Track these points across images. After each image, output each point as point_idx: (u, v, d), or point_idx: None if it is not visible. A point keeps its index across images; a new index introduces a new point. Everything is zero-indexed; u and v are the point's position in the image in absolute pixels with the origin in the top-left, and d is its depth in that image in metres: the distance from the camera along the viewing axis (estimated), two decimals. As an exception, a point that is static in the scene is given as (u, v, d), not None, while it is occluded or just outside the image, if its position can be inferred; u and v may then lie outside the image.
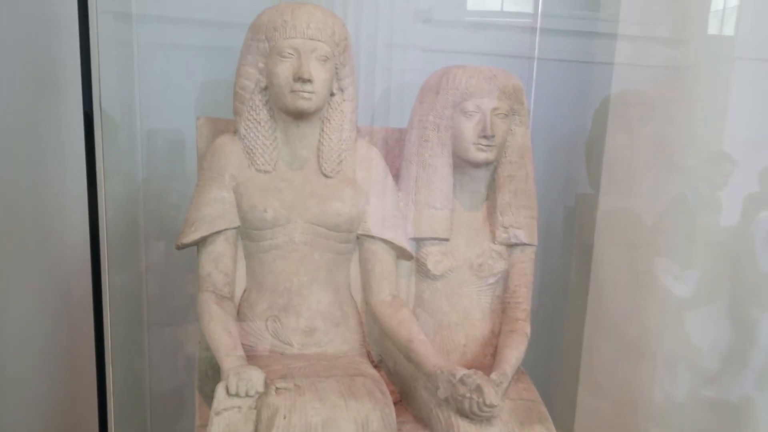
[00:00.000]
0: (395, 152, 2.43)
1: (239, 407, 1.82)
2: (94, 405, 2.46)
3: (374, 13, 2.81)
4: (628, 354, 2.84)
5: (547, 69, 3.09)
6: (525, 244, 2.38)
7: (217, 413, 1.81)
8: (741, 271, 2.59)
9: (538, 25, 3.13)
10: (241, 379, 1.82)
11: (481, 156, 2.25)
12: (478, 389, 1.89)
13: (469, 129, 2.24)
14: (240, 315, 2.17)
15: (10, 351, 2.82)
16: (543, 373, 2.76)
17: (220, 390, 1.82)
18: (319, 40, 2.04)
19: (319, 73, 2.05)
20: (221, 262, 2.14)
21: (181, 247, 2.12)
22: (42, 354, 2.87)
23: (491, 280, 2.36)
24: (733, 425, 2.64)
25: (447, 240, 2.32)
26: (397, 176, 2.35)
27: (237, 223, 2.14)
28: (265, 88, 2.11)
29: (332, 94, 2.15)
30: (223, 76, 2.39)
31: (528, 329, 2.33)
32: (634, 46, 2.88)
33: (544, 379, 2.72)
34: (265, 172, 2.14)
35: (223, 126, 2.27)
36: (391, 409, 1.93)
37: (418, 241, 2.32)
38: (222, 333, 2.00)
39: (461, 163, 2.30)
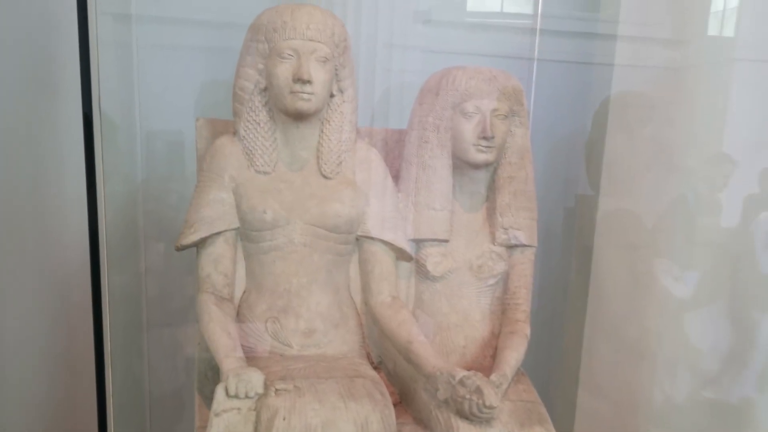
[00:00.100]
0: (395, 153, 2.43)
1: (239, 408, 1.82)
2: (93, 406, 2.46)
3: (374, 14, 2.81)
4: (628, 355, 2.84)
5: (547, 70, 3.09)
6: (525, 246, 2.38)
7: (217, 414, 1.80)
8: (741, 272, 2.59)
9: (538, 26, 3.13)
10: (241, 380, 1.81)
11: (481, 157, 2.25)
12: (478, 390, 1.89)
13: (469, 130, 2.24)
14: (239, 316, 2.17)
15: (9, 352, 2.82)
16: (543, 375, 2.75)
17: (219, 391, 1.82)
18: (318, 41, 2.04)
19: (318, 74, 2.05)
20: (221, 264, 2.14)
21: (181, 248, 2.12)
22: (41, 355, 2.87)
23: (491, 281, 2.36)
24: (733, 426, 2.63)
25: (447, 241, 2.32)
26: (396, 177, 2.35)
27: (236, 224, 2.14)
28: (265, 89, 2.11)
29: (332, 95, 2.15)
30: (222, 77, 2.38)
31: (528, 330, 2.32)
32: (634, 47, 2.88)
33: (544, 380, 2.72)
34: (265, 173, 2.14)
35: (223, 127, 2.26)
36: (391, 411, 1.93)
37: (418, 242, 2.32)
38: (221, 334, 2.00)
39: (461, 165, 2.30)
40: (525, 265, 2.39)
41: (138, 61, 2.77)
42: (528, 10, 3.34)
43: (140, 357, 2.97)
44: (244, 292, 2.20)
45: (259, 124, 2.13)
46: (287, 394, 1.85)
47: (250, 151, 2.14)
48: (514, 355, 2.22)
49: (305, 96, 2.04)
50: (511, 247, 2.38)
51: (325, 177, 2.17)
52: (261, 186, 2.12)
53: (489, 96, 2.23)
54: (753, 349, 2.59)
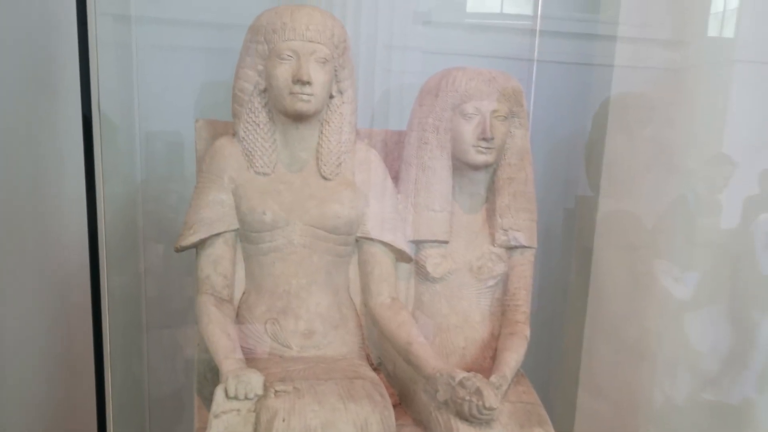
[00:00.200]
0: (394, 154, 2.42)
1: (238, 410, 1.82)
2: (92, 408, 2.46)
3: (373, 15, 2.81)
4: (628, 356, 2.83)
5: (547, 71, 3.09)
6: (524, 247, 2.37)
7: (216, 416, 1.80)
8: (741, 273, 2.59)
9: (538, 27, 3.13)
10: (240, 381, 1.81)
11: (481, 158, 2.25)
12: (478, 392, 1.88)
13: (469, 131, 2.23)
14: (239, 317, 2.17)
15: (9, 353, 2.81)
16: (543, 376, 2.75)
17: (218, 393, 1.82)
18: (318, 42, 2.04)
19: (318, 76, 2.05)
20: (220, 265, 2.13)
21: (180, 249, 2.12)
22: (41, 356, 2.87)
23: (491, 282, 2.36)
24: (733, 427, 2.63)
25: (446, 242, 2.32)
26: (396, 178, 2.34)
27: (236, 225, 2.14)
28: (264, 91, 2.11)
29: (331, 97, 2.15)
30: (222, 78, 2.38)
31: (527, 332, 2.32)
32: (634, 48, 2.88)
33: (544, 381, 2.72)
34: (264, 174, 2.14)
35: (222, 128, 2.26)
36: (391, 412, 1.92)
37: (418, 243, 2.32)
38: (221, 335, 2.00)
39: (460, 166, 2.30)
40: (525, 267, 2.39)
41: (137, 62, 2.77)
42: (528, 11, 3.33)
43: (140, 358, 2.97)
44: (244, 293, 2.20)
45: (258, 125, 2.13)
46: (287, 395, 1.85)
47: (250, 152, 2.14)
48: (513, 356, 2.21)
49: (305, 97, 2.04)
50: (510, 249, 2.38)
51: (324, 178, 2.17)
52: (260, 187, 2.12)
53: (489, 97, 2.23)
54: (753, 349, 2.59)
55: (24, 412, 2.89)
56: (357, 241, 2.24)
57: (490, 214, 2.38)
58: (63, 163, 2.75)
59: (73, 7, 2.21)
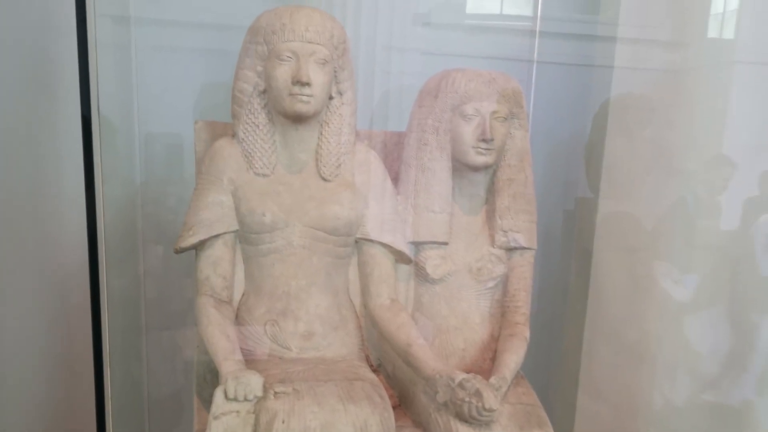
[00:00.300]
0: (394, 156, 2.42)
1: (238, 411, 1.81)
2: (92, 409, 2.46)
3: (373, 16, 2.81)
4: (628, 358, 2.83)
5: (547, 72, 3.09)
6: (524, 248, 2.37)
7: (216, 417, 1.80)
8: (741, 274, 2.59)
9: (538, 28, 3.13)
10: (240, 383, 1.81)
11: (480, 159, 2.25)
12: (478, 393, 1.88)
13: (469, 132, 2.23)
14: (238, 319, 2.16)
15: (8, 354, 2.81)
16: (542, 378, 2.75)
17: (218, 394, 1.82)
18: (317, 44, 2.04)
19: (317, 77, 2.05)
20: (219, 266, 2.13)
21: (180, 251, 2.12)
22: (40, 357, 2.87)
23: (490, 284, 2.36)
24: (732, 429, 2.63)
25: (446, 244, 2.32)
26: (396, 180, 2.34)
27: (235, 226, 2.14)
28: (264, 92, 2.11)
29: (331, 98, 2.14)
30: (221, 80, 2.38)
31: (527, 333, 2.32)
32: (634, 49, 2.88)
33: (544, 383, 2.72)
34: (264, 175, 2.14)
35: (222, 129, 2.26)
36: (390, 414, 1.92)
37: (417, 244, 2.32)
38: (220, 337, 2.00)
39: (460, 167, 2.30)
40: (524, 268, 2.39)
41: (137, 64, 2.77)
42: (527, 12, 3.34)
43: (139, 360, 2.96)
44: (243, 294, 2.20)
45: (258, 126, 2.13)
46: (286, 397, 1.85)
47: (249, 153, 2.13)
48: (513, 357, 2.21)
49: (304, 98, 2.04)
50: (510, 250, 2.38)
51: (324, 179, 2.16)
52: (260, 188, 2.12)
53: (488, 98, 2.23)
54: (753, 351, 2.59)
55: (23, 413, 2.89)
56: (356, 242, 2.24)
57: (490, 216, 2.38)
58: (62, 165, 2.75)
59: (73, 9, 2.21)
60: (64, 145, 2.72)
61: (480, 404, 1.87)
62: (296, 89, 2.02)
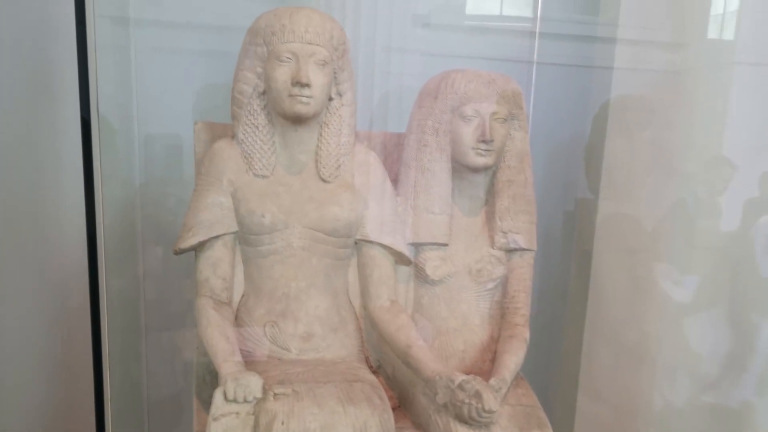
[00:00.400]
0: (394, 157, 2.42)
1: (237, 413, 1.81)
2: (91, 411, 2.46)
3: (373, 17, 2.81)
4: (628, 359, 2.83)
5: (547, 73, 3.09)
6: (524, 249, 2.37)
7: (215, 419, 1.80)
8: (741, 276, 2.59)
9: (537, 29, 3.12)
10: (239, 384, 1.81)
11: (480, 161, 2.25)
12: (477, 395, 1.88)
13: (468, 133, 2.23)
14: (238, 320, 2.16)
15: (7, 356, 2.81)
16: (542, 379, 2.75)
17: (217, 396, 1.82)
18: (317, 45, 2.04)
19: (317, 78, 2.04)
20: (219, 268, 2.13)
21: (179, 252, 2.12)
22: (39, 359, 2.87)
23: (490, 285, 2.35)
24: (732, 431, 2.63)
25: (446, 245, 2.32)
26: (395, 181, 2.34)
27: (235, 228, 2.13)
28: (263, 93, 2.10)
29: (330, 99, 2.14)
30: (221, 81, 2.38)
31: (527, 335, 2.32)
32: (634, 50, 2.87)
33: (543, 384, 2.72)
34: (263, 176, 2.13)
35: (221, 131, 2.26)
36: (390, 415, 1.92)
37: (417, 246, 2.32)
38: (220, 338, 2.00)
39: (460, 168, 2.29)
40: (524, 269, 2.39)
41: (136, 65, 2.77)
42: (527, 13, 3.33)
43: (138, 361, 2.96)
44: (243, 296, 2.20)
45: (257, 127, 2.13)
46: (286, 398, 1.85)
47: (249, 154, 2.13)
48: (513, 359, 2.21)
49: (304, 99, 2.03)
50: (510, 251, 2.37)
51: (323, 180, 2.16)
52: (259, 190, 2.12)
53: (488, 99, 2.22)
54: (753, 353, 2.59)
55: (23, 415, 2.88)
56: (356, 243, 2.24)
57: (490, 217, 2.38)
58: (62, 166, 2.74)
59: (72, 10, 2.20)
60: (64, 146, 2.72)
61: (480, 406, 1.87)
62: (296, 90, 2.02)
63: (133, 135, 2.81)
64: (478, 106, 2.22)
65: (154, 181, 2.89)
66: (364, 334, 2.27)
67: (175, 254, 2.13)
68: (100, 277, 2.38)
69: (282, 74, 2.04)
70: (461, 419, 1.93)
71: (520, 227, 2.35)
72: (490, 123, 2.22)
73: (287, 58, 2.03)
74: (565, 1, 3.27)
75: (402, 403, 2.22)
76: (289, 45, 2.03)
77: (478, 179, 2.34)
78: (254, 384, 1.82)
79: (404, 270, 2.32)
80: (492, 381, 2.08)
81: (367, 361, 2.26)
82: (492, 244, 2.36)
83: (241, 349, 2.03)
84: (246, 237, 2.14)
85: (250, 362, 2.04)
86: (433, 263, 2.31)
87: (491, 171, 2.34)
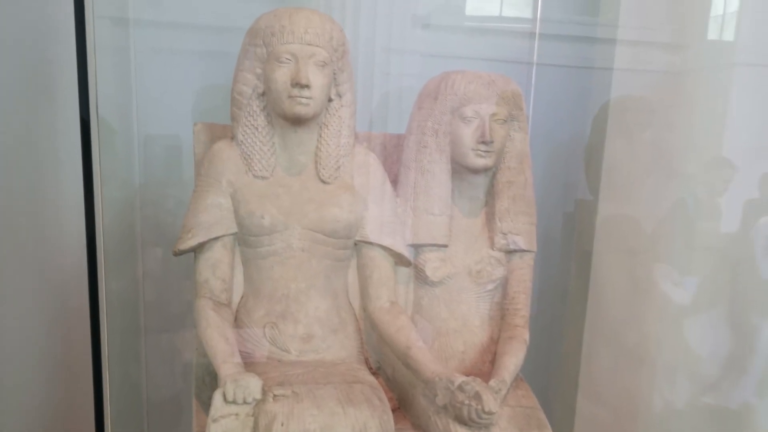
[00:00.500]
0: (393, 158, 2.42)
1: (236, 414, 1.81)
2: (91, 411, 2.45)
3: (372, 18, 2.81)
4: (628, 361, 2.83)
5: (546, 74, 3.09)
6: (524, 251, 2.37)
7: (215, 420, 1.80)
8: (741, 277, 2.59)
9: (537, 31, 3.13)
10: (239, 386, 1.81)
11: (480, 162, 2.25)
12: (477, 396, 1.88)
13: (468, 135, 2.23)
14: (237, 321, 2.16)
15: (7, 356, 2.81)
16: (542, 380, 2.75)
17: (217, 397, 1.81)
18: (317, 46, 2.04)
19: (317, 79, 2.04)
20: (218, 269, 2.13)
21: (179, 253, 2.12)
22: (39, 360, 2.86)
23: (490, 286, 2.35)
24: (732, 432, 2.63)
25: (445, 246, 2.31)
26: (395, 182, 2.34)
27: (234, 229, 2.13)
28: (263, 94, 2.10)
29: (330, 100, 2.14)
30: (220, 82, 2.38)
31: (527, 336, 2.32)
32: (634, 51, 2.87)
33: (543, 386, 2.72)
34: (263, 178, 2.13)
35: (221, 132, 2.26)
36: (390, 416, 1.92)
37: (417, 247, 2.31)
38: (219, 340, 1.99)
39: (460, 169, 2.29)
40: (524, 270, 2.39)
41: (136, 66, 2.77)
42: (527, 14, 3.33)
43: (138, 362, 2.96)
44: (242, 297, 2.19)
45: (257, 128, 2.12)
46: (285, 399, 1.84)
47: (248, 155, 2.13)
48: (513, 360, 2.21)
49: (303, 100, 2.03)
50: (510, 252, 2.37)
51: (323, 182, 2.16)
52: (259, 191, 2.12)
53: (488, 100, 2.22)
54: (753, 354, 2.58)
55: (22, 415, 2.88)
56: (356, 244, 2.24)
57: (490, 218, 2.38)
58: (61, 167, 2.74)
59: (72, 10, 2.20)
60: (63, 147, 2.71)
61: (479, 407, 1.87)
62: (295, 91, 2.02)
63: (133, 136, 2.81)
64: (478, 107, 2.22)
65: (153, 182, 2.89)
66: (364, 335, 2.27)
67: (175, 255, 2.12)
68: (100, 278, 2.38)
69: (281, 75, 2.03)
70: (461, 421, 1.93)
71: (520, 228, 2.35)
72: (490, 124, 2.22)
73: (287, 59, 2.03)
74: (564, 2, 3.27)
75: (402, 405, 2.22)
76: (288, 46, 2.02)
77: (478, 180, 2.34)
78: (254, 385, 1.82)
79: (404, 271, 2.32)
80: (492, 382, 2.08)
81: (366, 362, 2.26)
82: (492, 246, 2.36)
83: (240, 351, 2.03)
84: (245, 238, 2.13)
85: (249, 363, 2.04)
86: (432, 264, 2.30)
87: (491, 172, 2.34)
